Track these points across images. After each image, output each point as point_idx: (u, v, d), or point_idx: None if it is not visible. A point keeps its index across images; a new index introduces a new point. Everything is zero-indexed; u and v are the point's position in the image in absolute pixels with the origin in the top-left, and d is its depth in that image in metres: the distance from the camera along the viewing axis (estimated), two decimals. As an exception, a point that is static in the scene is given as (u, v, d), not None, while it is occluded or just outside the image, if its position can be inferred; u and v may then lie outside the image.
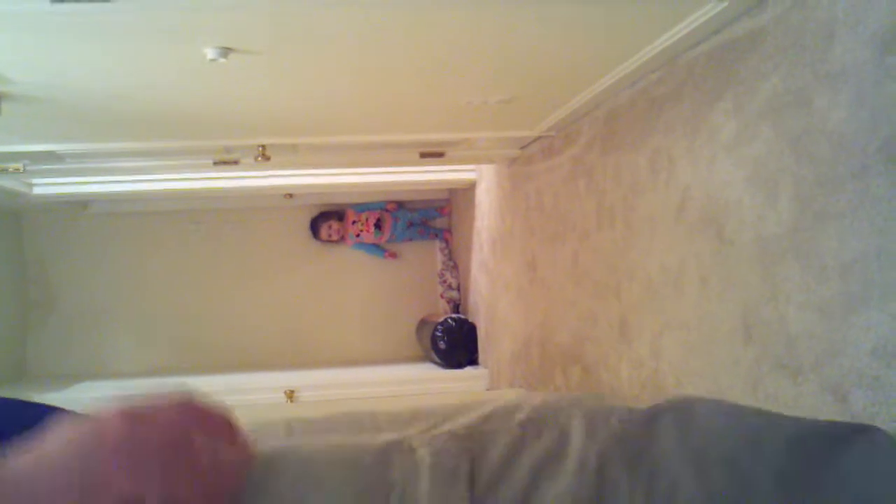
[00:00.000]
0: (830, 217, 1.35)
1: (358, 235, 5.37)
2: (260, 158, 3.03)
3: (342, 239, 5.42)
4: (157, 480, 0.58)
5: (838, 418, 1.34)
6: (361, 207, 5.38)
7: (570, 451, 0.77)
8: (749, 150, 1.60)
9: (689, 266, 1.88)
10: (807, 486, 0.76)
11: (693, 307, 1.89)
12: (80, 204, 4.99)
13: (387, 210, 5.40)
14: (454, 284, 5.31)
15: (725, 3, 1.58)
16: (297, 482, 0.71)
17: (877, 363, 1.27)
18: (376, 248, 5.47)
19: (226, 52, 1.77)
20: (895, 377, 1.24)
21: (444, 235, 5.51)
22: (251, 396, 4.15)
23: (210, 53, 1.77)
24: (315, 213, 5.42)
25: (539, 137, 3.09)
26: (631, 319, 2.27)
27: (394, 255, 5.53)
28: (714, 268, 1.77)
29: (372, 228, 5.35)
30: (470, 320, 4.80)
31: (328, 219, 5.37)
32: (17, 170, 3.25)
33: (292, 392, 4.28)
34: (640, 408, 0.84)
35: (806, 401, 1.44)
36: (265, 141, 2.94)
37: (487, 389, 4.27)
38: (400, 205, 5.48)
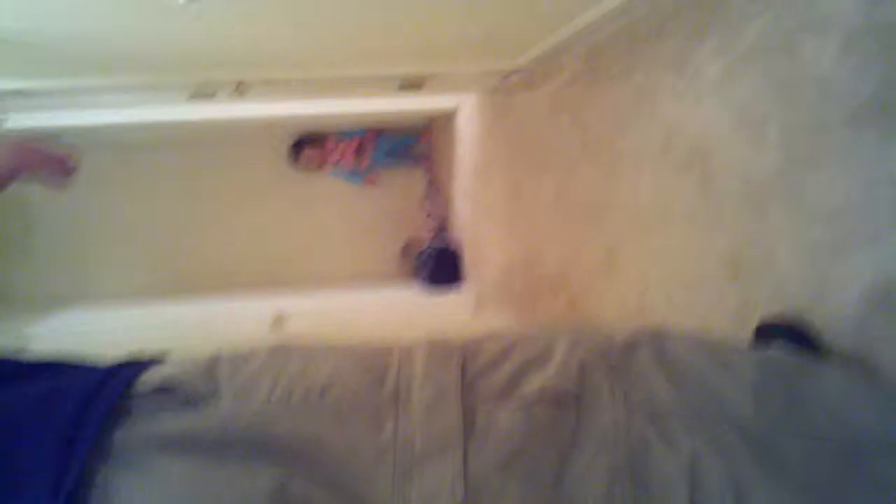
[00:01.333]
0: (818, 163, 1.35)
1: (337, 163, 5.32)
2: (235, 93, 2.98)
3: (320, 166, 5.37)
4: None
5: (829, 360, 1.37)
6: (341, 135, 5.31)
7: (555, 356, 0.83)
8: (735, 91, 1.59)
9: (675, 203, 1.89)
10: (786, 404, 0.81)
11: (679, 243, 1.90)
12: (52, 136, 4.90)
13: (366, 137, 5.34)
14: (437, 210, 5.30)
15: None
16: (303, 356, 0.80)
17: (864, 307, 1.29)
18: (354, 175, 5.42)
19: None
20: (880, 321, 1.26)
21: (424, 163, 5.47)
22: (236, 327, 4.14)
23: (183, -3, 1.72)
24: (295, 139, 5.35)
25: (519, 69, 3.05)
26: (616, 252, 2.28)
27: (372, 182, 5.49)
28: (700, 206, 1.77)
29: (352, 156, 5.29)
30: (454, 245, 4.81)
31: (308, 145, 5.31)
32: (-14, 104, 3.18)
33: (280, 319, 4.22)
34: (620, 337, 0.90)
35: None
36: (241, 76, 2.88)
37: (474, 313, 4.30)
38: (380, 132, 5.42)
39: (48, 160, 1.18)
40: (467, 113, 4.23)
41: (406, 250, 5.26)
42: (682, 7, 1.80)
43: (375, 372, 0.80)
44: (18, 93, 2.96)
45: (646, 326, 0.92)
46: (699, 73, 1.73)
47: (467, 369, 0.81)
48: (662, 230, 1.98)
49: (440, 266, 4.71)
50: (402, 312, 4.46)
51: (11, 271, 5.12)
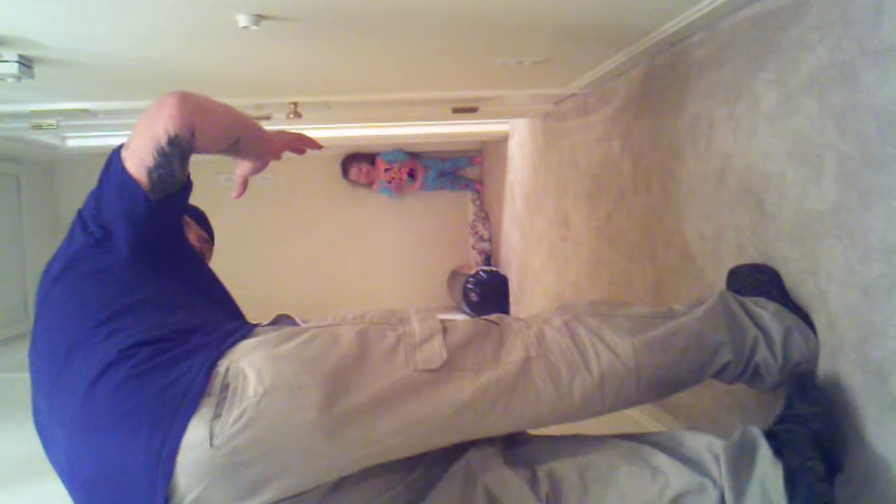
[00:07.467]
0: (876, 197, 1.31)
1: (390, 182, 5.35)
2: (292, 116, 3.02)
3: (370, 183, 5.41)
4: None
5: (877, 398, 1.33)
6: (390, 157, 5.35)
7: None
8: (792, 122, 1.56)
9: (728, 235, 1.85)
10: None
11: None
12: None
13: (416, 161, 5.38)
14: (486, 236, 5.29)
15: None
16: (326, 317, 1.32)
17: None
18: (398, 193, 5.46)
19: (258, 19, 1.75)
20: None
21: (475, 186, 5.48)
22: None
23: (242, 21, 1.75)
24: (346, 154, 5.41)
25: (573, 94, 3.04)
26: (667, 284, 2.25)
27: (402, 190, 5.51)
28: (753, 239, 1.74)
29: (405, 177, 5.33)
30: (502, 273, 4.79)
31: (359, 161, 5.36)
32: (52, 126, 3.26)
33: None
34: None
35: (845, 379, 1.42)
36: (297, 99, 2.92)
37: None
38: (422, 155, 5.45)
39: (300, 140, 1.67)
40: (519, 137, 4.23)
41: (454, 277, 5.26)
42: (738, 35, 1.79)
43: (390, 313, 1.32)
44: (79, 113, 3.04)
45: None
46: (755, 103, 1.70)
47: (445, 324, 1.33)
48: (714, 262, 1.94)
49: (487, 292, 4.70)
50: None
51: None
